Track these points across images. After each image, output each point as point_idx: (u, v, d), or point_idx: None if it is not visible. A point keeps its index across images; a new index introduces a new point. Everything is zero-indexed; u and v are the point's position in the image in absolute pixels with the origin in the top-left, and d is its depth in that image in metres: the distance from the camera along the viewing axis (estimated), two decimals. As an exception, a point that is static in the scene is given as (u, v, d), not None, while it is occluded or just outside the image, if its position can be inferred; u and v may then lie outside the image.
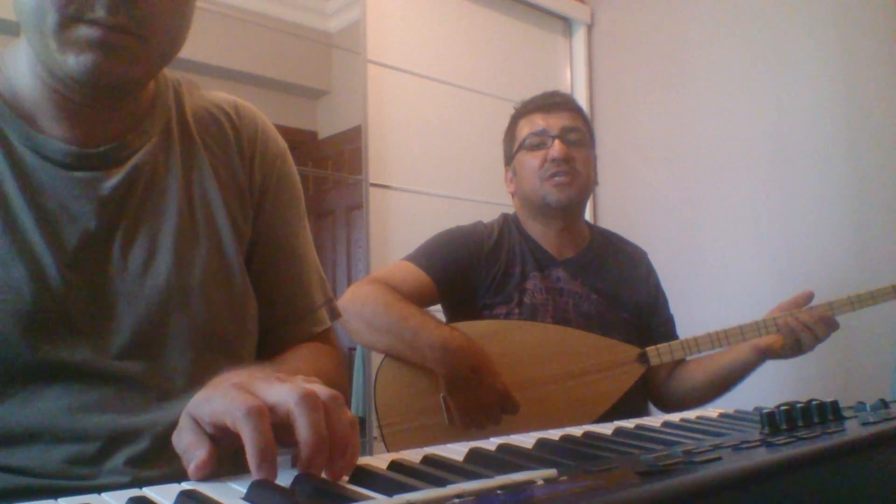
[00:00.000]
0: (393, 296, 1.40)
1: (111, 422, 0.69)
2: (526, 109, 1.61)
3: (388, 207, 2.28)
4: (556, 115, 1.56)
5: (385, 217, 2.27)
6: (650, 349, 1.47)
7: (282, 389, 0.51)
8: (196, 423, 0.54)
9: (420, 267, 1.49)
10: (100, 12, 0.64)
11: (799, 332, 1.45)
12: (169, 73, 0.83)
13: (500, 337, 1.43)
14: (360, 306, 1.39)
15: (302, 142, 2.23)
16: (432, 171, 2.40)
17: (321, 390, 0.52)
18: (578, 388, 1.42)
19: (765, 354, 1.49)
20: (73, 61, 0.65)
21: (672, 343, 1.49)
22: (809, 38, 2.22)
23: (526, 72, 2.73)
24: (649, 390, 1.65)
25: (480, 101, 2.54)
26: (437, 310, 1.60)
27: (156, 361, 0.73)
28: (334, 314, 0.93)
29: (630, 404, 1.50)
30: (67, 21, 0.64)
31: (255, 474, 0.48)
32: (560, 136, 1.53)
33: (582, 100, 2.82)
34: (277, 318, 0.87)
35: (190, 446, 0.53)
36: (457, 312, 1.56)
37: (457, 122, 2.48)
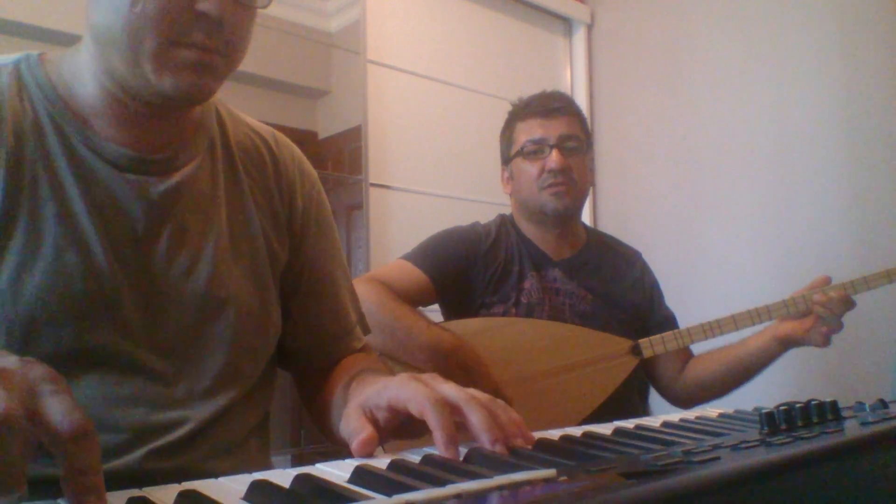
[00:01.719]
0: (387, 294, 1.41)
1: (141, 416, 0.73)
2: (525, 113, 1.60)
3: (389, 207, 2.28)
4: (554, 122, 1.56)
5: (385, 217, 2.27)
6: (643, 341, 1.48)
7: (451, 388, 0.63)
8: (363, 412, 0.66)
9: (418, 266, 1.50)
10: (197, 36, 0.70)
11: (816, 311, 1.43)
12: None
13: (491, 334, 1.44)
14: None
15: (302, 142, 2.22)
16: (432, 171, 2.40)
17: (481, 395, 0.64)
18: (572, 382, 1.43)
19: (786, 343, 1.48)
20: (171, 81, 0.71)
21: (664, 335, 1.49)
22: (809, 37, 2.22)
23: (526, 72, 2.73)
24: (660, 386, 1.65)
25: (480, 101, 2.54)
26: (435, 309, 1.61)
27: (188, 362, 0.78)
28: (366, 329, 1.00)
29: (627, 400, 1.51)
30: (166, 45, 0.70)
31: (443, 453, 0.57)
32: (558, 145, 1.53)
33: (582, 100, 2.82)
34: (320, 337, 0.94)
35: (356, 429, 0.63)
36: (454, 311, 1.56)
37: (457, 122, 2.48)
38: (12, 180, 0.71)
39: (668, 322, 1.65)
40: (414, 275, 1.49)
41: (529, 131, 1.57)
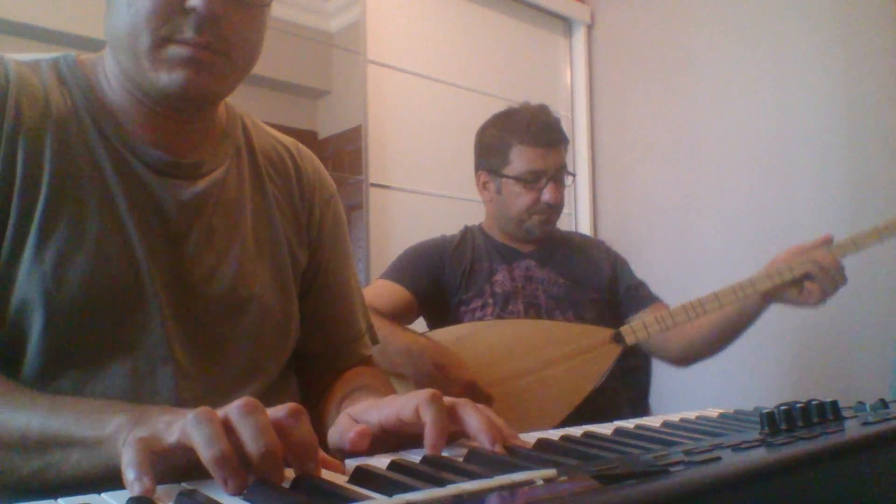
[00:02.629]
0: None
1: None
2: (525, 137, 1.60)
3: (388, 207, 2.28)
4: (553, 154, 1.60)
5: (385, 217, 2.27)
6: (624, 328, 1.47)
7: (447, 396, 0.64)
8: (353, 420, 0.65)
9: (396, 282, 1.57)
10: (188, 33, 0.72)
11: (810, 270, 1.39)
12: (235, 106, 0.91)
13: (474, 338, 1.48)
14: None
15: (302, 142, 2.22)
16: (432, 171, 2.40)
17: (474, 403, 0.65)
18: (558, 376, 1.46)
19: (769, 299, 1.46)
20: (166, 78, 0.73)
21: (646, 319, 1.47)
22: (809, 37, 2.22)
23: (526, 72, 2.73)
24: (651, 350, 1.67)
25: (481, 101, 2.54)
26: (421, 322, 1.65)
27: (211, 358, 0.80)
28: (374, 338, 1.02)
29: (633, 394, 1.53)
30: (160, 42, 0.72)
31: (428, 447, 0.57)
32: (554, 178, 1.59)
33: (582, 100, 2.82)
34: (330, 342, 0.96)
35: (347, 427, 0.63)
36: (436, 317, 1.62)
37: (457, 122, 2.48)
38: (59, 167, 0.73)
39: (639, 288, 1.67)
40: (396, 291, 1.56)
41: (530, 161, 1.59)
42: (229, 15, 0.74)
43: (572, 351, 1.47)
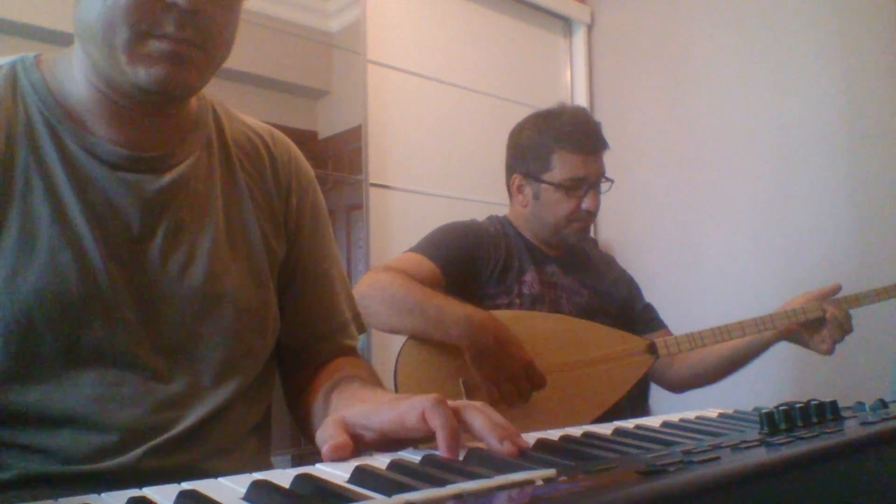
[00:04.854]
0: (410, 279, 1.44)
1: (139, 414, 0.73)
2: (568, 142, 1.57)
3: (388, 207, 2.28)
4: (595, 160, 1.58)
5: (385, 217, 2.27)
6: (658, 341, 1.52)
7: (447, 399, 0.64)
8: (343, 427, 0.63)
9: (428, 257, 1.51)
10: (169, 28, 0.70)
11: (828, 318, 1.52)
12: (206, 94, 0.88)
13: (518, 324, 1.44)
14: (379, 291, 1.41)
15: (302, 142, 2.21)
16: (432, 171, 2.40)
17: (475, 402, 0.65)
18: (591, 377, 1.46)
19: (784, 335, 1.56)
20: (145, 73, 0.71)
21: (678, 336, 1.53)
22: (809, 37, 2.22)
23: (526, 72, 2.73)
24: (651, 371, 1.67)
25: (480, 101, 2.54)
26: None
27: (186, 359, 0.78)
28: (361, 327, 0.99)
29: (633, 394, 1.54)
30: (138, 37, 0.70)
31: (444, 452, 0.56)
32: (595, 186, 1.58)
33: (582, 100, 2.82)
34: (313, 333, 0.93)
35: (329, 436, 0.62)
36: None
37: (457, 122, 2.48)
38: (3, 184, 0.71)
39: (651, 311, 1.73)
40: (425, 266, 1.50)
41: (572, 168, 1.56)
42: (208, 9, 0.72)
43: (608, 355, 1.47)
